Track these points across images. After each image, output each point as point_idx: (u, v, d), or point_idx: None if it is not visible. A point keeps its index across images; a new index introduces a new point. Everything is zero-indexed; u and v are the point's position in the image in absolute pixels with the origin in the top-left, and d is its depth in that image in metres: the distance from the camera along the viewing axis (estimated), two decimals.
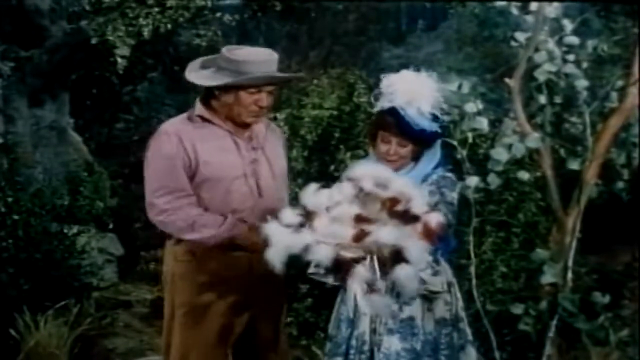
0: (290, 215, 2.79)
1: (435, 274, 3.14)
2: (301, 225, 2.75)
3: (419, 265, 2.72)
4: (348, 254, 2.69)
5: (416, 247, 2.68)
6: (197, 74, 3.23)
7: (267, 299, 3.31)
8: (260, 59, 3.17)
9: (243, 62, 3.13)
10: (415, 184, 2.98)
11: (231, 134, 3.24)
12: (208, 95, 3.24)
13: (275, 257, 2.72)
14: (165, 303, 3.36)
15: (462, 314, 3.28)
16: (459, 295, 3.29)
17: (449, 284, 3.23)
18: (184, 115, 3.30)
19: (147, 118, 9.58)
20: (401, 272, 2.66)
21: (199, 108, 3.24)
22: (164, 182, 3.16)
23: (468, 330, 3.27)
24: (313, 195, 2.79)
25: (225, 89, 3.15)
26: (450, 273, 3.27)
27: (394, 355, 3.10)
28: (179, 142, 3.17)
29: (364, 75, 7.23)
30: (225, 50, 3.21)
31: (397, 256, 2.67)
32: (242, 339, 3.35)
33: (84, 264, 5.91)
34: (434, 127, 3.19)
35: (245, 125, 3.25)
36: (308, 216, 2.78)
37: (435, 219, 2.78)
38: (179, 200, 3.15)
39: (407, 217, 2.74)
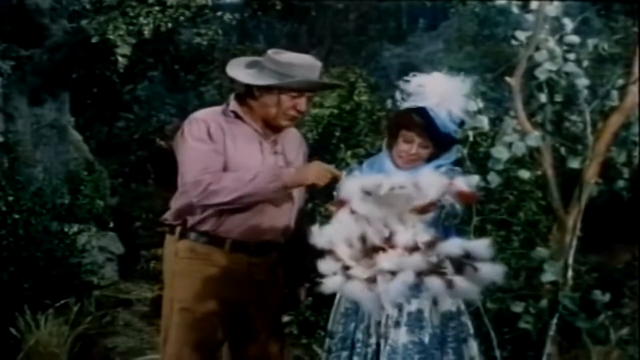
0: (326, 265, 2.77)
1: None
2: (346, 267, 2.74)
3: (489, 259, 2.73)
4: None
5: (481, 245, 2.69)
6: (241, 72, 3.23)
7: (267, 300, 3.31)
8: (306, 63, 3.18)
9: (290, 65, 3.14)
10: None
11: (259, 135, 3.24)
12: (246, 93, 3.24)
13: (372, 307, 2.71)
14: (164, 299, 3.37)
15: (463, 307, 3.28)
16: None
17: None
18: (217, 108, 3.30)
19: (148, 117, 9.60)
20: (486, 269, 2.66)
21: (233, 104, 3.25)
22: (208, 163, 3.15)
23: (469, 324, 3.28)
24: (321, 236, 2.78)
25: (268, 90, 3.16)
26: None
27: (401, 347, 3.10)
28: (215, 128, 3.18)
29: (365, 74, 7.25)
30: (271, 52, 3.22)
31: (466, 257, 2.68)
32: (240, 339, 3.35)
33: (84, 262, 5.92)
34: (458, 131, 3.20)
35: (276, 129, 3.25)
36: (332, 254, 2.77)
37: (463, 183, 2.83)
38: (220, 172, 3.14)
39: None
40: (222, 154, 3.17)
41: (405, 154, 3.18)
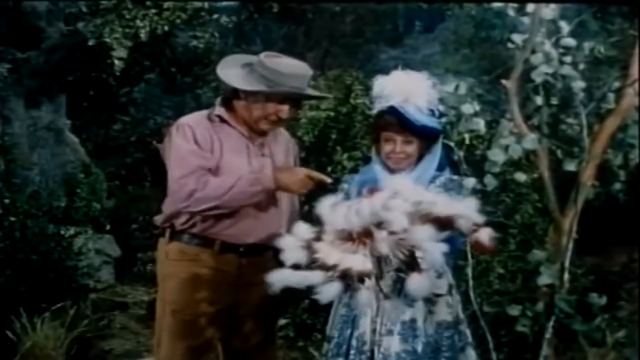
0: (302, 230, 2.76)
1: (440, 276, 3.14)
2: (315, 239, 2.73)
3: (433, 268, 2.73)
4: (357, 269, 2.69)
5: (435, 250, 2.67)
6: (230, 73, 3.23)
7: (258, 301, 3.30)
8: (296, 73, 3.18)
9: (279, 72, 3.14)
10: (421, 185, 2.98)
11: (245, 138, 3.25)
12: (233, 95, 3.24)
13: (277, 281, 2.73)
14: (157, 302, 3.36)
15: (462, 315, 3.28)
16: (458, 297, 3.29)
17: (450, 286, 3.23)
18: (203, 112, 3.31)
19: (144, 119, 9.60)
20: (414, 280, 2.66)
21: (218, 108, 3.25)
22: (194, 168, 3.14)
23: (468, 332, 3.27)
24: (332, 210, 2.77)
25: (254, 94, 3.16)
26: (450, 275, 3.27)
27: (393, 356, 3.09)
28: (202, 133, 3.18)
29: (361, 76, 7.23)
30: (263, 56, 3.22)
31: (412, 261, 2.66)
32: (233, 342, 3.35)
33: (80, 265, 5.92)
34: (434, 122, 3.22)
35: (261, 132, 3.26)
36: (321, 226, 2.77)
37: (487, 235, 2.87)
38: (206, 177, 3.14)
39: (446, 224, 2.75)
40: (209, 159, 3.17)
41: (392, 154, 3.20)
